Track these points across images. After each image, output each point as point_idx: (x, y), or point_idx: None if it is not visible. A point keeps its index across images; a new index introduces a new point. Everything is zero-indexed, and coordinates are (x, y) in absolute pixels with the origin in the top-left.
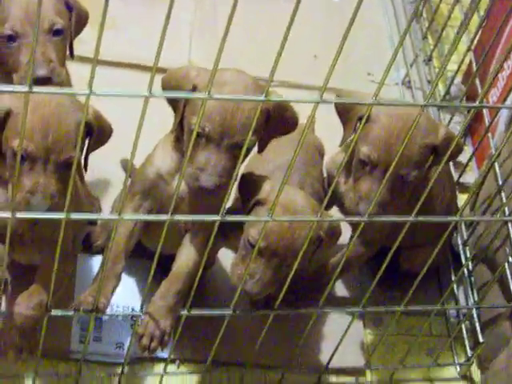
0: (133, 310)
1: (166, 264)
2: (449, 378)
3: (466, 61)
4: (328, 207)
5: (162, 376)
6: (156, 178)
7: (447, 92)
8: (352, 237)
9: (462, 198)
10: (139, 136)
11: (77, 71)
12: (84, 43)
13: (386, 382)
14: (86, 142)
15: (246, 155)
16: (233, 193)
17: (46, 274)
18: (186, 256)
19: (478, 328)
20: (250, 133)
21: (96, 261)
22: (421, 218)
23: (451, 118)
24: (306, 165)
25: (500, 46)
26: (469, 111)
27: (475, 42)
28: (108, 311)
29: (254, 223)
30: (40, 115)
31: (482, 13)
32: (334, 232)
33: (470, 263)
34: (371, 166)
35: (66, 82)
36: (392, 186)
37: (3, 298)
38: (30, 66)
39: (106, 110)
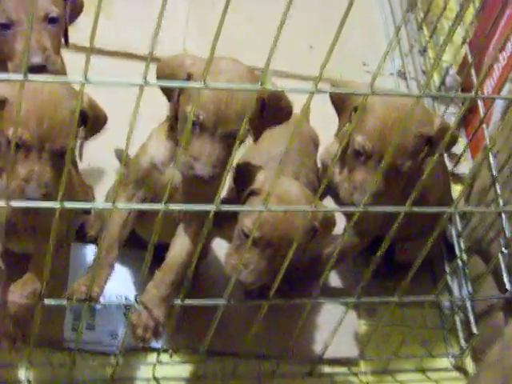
0: (126, 299)
1: (159, 253)
2: (442, 369)
3: (461, 52)
4: (322, 197)
5: (155, 365)
6: (150, 167)
7: (442, 83)
8: (346, 227)
9: (456, 189)
10: (134, 125)
11: (71, 60)
12: (79, 31)
13: (380, 373)
14: (81, 130)
15: (240, 144)
16: (227, 183)
17: (39, 263)
18: (180, 246)
19: (472, 319)
20: (245, 122)
21: (90, 250)
22: (415, 209)
23: (446, 109)
24: (301, 155)
25: (495, 37)
26: (463, 102)
27: (470, 33)
28: (101, 300)
29: (249, 213)
30: (35, 103)
31: (477, 4)
32: (329, 222)
33: (464, 255)
34: (366, 156)
35: (61, 71)
36: (386, 176)
37: None
38: (25, 54)
39: (100, 99)
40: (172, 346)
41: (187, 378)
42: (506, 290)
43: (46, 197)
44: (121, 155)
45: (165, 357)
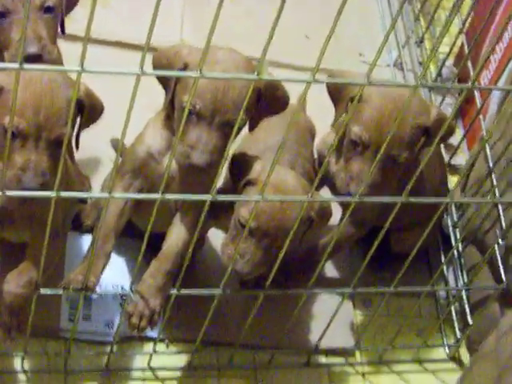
0: (122, 288)
1: (156, 243)
2: (438, 359)
3: (458, 43)
4: (319, 188)
5: (151, 355)
6: (146, 156)
7: (439, 74)
8: (343, 217)
9: (452, 180)
10: (130, 114)
11: (68, 50)
12: (75, 22)
13: (376, 363)
14: (78, 119)
15: (236, 134)
16: (223, 173)
17: (35, 252)
18: (176, 235)
19: (468, 310)
20: (242, 111)
21: (86, 239)
22: (412, 199)
23: (442, 100)
24: (297, 145)
25: (492, 28)
26: (460, 93)
27: (467, 24)
28: (98, 290)
29: (245, 203)
30: (31, 92)
31: None
32: (325, 212)
33: (459, 245)
34: (362, 146)
35: (58, 60)
36: (383, 166)
37: None
38: (21, 43)
39: (96, 88)
40: (168, 336)
41: (183, 367)
42: (502, 281)
43: (43, 186)
44: (117, 145)
45: (161, 347)
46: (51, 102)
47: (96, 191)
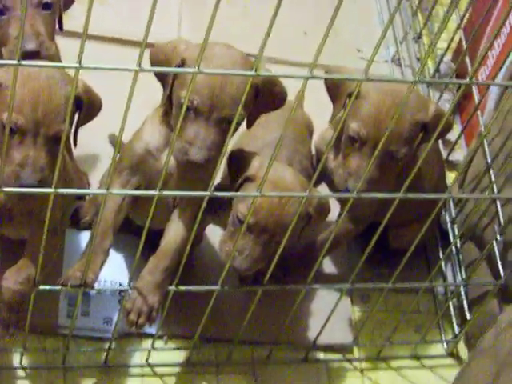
0: (121, 285)
1: (154, 239)
2: (436, 355)
3: (456, 39)
4: (317, 184)
5: (149, 351)
6: (144, 153)
7: (437, 70)
8: (341, 213)
9: (450, 176)
10: (128, 111)
11: (66, 47)
12: (73, 18)
13: (374, 359)
14: (76, 115)
15: (234, 130)
16: (221, 169)
17: (34, 249)
18: (175, 232)
19: (466, 305)
20: (240, 106)
21: (84, 236)
22: (410, 195)
23: (440, 96)
24: (295, 141)
25: (490, 24)
26: (458, 89)
27: (465, 19)
28: (96, 286)
29: (243, 199)
30: (30, 89)
31: None
32: (323, 208)
33: (458, 241)
34: (360, 142)
35: (56, 57)
36: (381, 162)
37: None
38: (19, 40)
39: (94, 84)
40: (166, 333)
41: (181, 364)
42: (500, 277)
43: (42, 182)
44: (114, 141)
45: (159, 343)
46: (49, 98)
47: (94, 188)
